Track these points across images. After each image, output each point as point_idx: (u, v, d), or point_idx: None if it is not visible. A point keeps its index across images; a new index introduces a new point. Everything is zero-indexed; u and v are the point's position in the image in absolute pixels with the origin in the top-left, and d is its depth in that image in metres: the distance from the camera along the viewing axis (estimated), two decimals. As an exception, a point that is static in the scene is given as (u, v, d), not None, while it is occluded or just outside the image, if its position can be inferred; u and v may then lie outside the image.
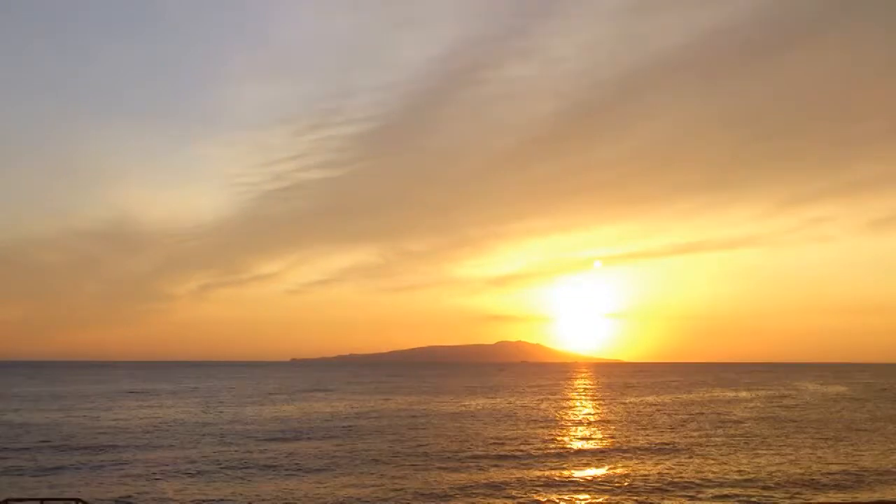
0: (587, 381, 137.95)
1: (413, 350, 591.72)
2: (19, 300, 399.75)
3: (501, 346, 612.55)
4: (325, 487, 25.08)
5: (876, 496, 23.62)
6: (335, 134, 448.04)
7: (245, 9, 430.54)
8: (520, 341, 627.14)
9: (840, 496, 24.04)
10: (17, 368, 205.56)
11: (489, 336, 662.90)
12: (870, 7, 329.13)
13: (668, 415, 57.21)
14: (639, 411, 61.16)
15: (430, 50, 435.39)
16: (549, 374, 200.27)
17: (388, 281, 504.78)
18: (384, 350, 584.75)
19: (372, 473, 27.82)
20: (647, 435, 41.96)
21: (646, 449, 35.79)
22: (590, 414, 58.79)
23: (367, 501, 22.90)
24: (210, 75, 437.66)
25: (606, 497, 23.82)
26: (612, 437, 41.04)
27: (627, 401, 75.77)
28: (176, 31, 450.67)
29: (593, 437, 41.77)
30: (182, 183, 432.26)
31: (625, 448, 36.14)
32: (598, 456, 33.88)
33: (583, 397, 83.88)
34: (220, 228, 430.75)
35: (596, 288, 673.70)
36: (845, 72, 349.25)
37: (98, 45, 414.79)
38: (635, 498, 23.50)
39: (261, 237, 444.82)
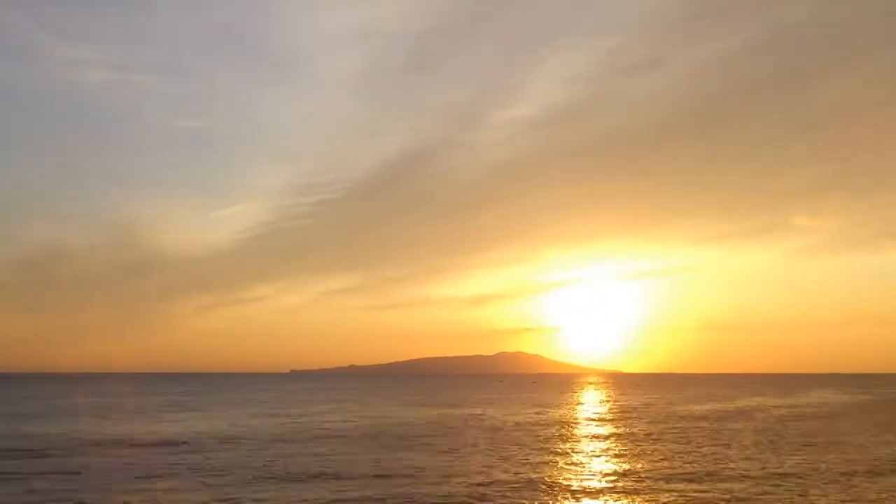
0: (599, 391, 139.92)
1: (411, 361, 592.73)
2: (25, 313, 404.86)
3: (500, 357, 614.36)
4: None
5: None
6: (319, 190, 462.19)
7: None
8: (519, 352, 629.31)
9: None
10: (39, 382, 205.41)
11: (488, 347, 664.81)
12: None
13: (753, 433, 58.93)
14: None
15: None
16: (554, 385, 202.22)
17: (372, 300, 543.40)
18: (383, 361, 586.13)
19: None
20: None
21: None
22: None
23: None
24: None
25: None
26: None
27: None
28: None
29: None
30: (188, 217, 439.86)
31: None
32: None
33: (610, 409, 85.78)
34: (217, 257, 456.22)
35: (596, 301, 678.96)
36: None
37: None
38: None
39: (252, 266, 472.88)
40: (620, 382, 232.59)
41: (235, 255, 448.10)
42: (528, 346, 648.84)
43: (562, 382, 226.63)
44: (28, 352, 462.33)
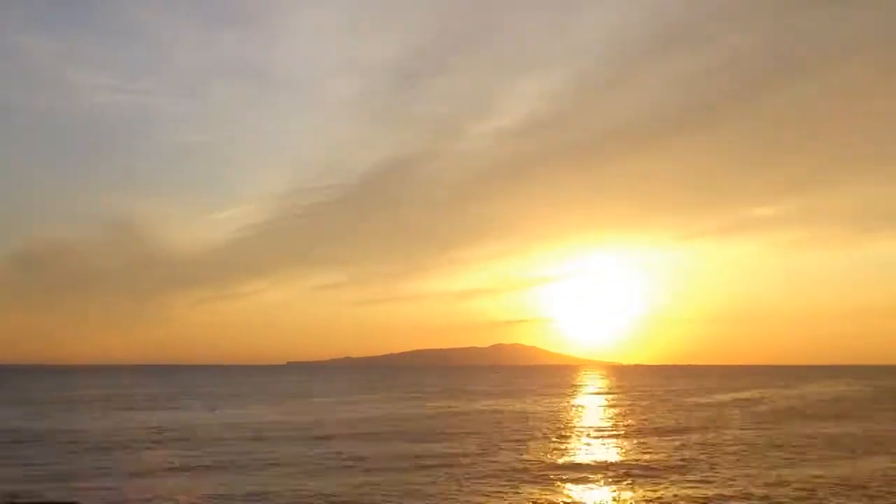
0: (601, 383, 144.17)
1: (407, 353, 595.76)
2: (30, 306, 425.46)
3: (496, 348, 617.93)
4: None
5: None
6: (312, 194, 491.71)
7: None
8: (515, 343, 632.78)
9: None
10: (50, 374, 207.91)
11: (484, 339, 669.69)
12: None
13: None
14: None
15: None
16: (545, 374, 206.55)
17: (364, 295, 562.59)
18: (378, 353, 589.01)
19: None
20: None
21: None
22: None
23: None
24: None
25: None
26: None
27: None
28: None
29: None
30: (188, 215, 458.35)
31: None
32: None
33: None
34: (215, 255, 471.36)
35: (592, 292, 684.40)
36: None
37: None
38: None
39: (248, 262, 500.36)
40: (620, 373, 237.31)
41: (232, 253, 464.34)
42: (524, 337, 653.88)
43: (559, 373, 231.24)
44: (32, 344, 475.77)
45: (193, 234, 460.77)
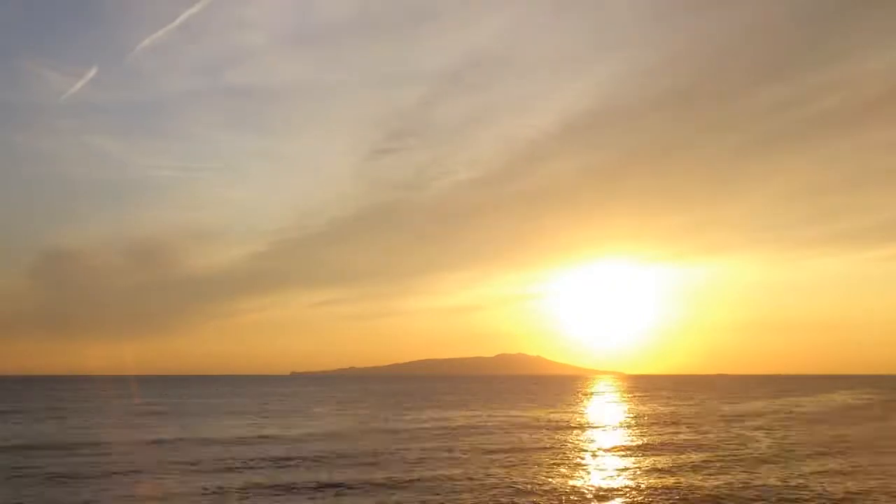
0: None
1: (411, 363, 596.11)
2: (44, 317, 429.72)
3: (501, 358, 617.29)
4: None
5: None
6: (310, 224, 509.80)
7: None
8: (520, 353, 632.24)
9: None
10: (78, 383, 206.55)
11: (488, 349, 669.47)
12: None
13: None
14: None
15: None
16: (556, 384, 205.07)
17: (357, 310, 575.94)
18: (382, 363, 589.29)
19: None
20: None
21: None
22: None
23: None
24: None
25: None
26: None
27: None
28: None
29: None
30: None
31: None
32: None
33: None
34: (222, 277, 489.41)
35: (597, 304, 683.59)
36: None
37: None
38: None
39: (253, 283, 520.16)
40: (628, 383, 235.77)
41: (239, 275, 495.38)
42: (529, 347, 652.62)
43: (565, 383, 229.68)
44: (46, 355, 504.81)
45: (206, 259, 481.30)
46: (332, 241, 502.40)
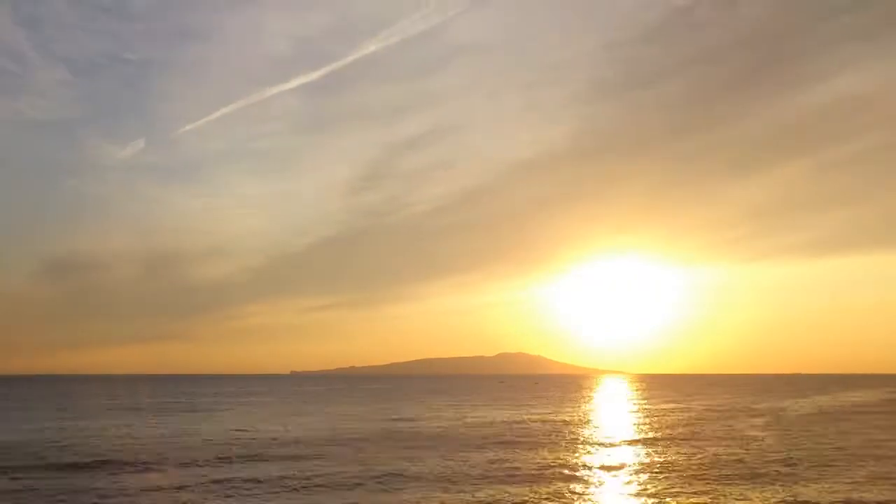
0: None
1: (412, 362, 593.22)
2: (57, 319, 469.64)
3: (502, 357, 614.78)
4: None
5: None
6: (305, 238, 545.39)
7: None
8: (520, 353, 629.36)
9: None
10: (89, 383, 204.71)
11: (489, 348, 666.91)
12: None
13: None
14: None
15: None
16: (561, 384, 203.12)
17: (350, 314, 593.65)
18: (382, 363, 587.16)
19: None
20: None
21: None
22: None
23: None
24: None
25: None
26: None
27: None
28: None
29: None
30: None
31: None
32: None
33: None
34: (223, 285, 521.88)
35: (595, 302, 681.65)
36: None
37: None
38: None
39: (253, 290, 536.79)
40: (634, 383, 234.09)
41: (240, 283, 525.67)
42: (529, 347, 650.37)
43: (569, 383, 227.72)
44: (59, 355, 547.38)
45: (209, 269, 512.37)
46: (323, 255, 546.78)
